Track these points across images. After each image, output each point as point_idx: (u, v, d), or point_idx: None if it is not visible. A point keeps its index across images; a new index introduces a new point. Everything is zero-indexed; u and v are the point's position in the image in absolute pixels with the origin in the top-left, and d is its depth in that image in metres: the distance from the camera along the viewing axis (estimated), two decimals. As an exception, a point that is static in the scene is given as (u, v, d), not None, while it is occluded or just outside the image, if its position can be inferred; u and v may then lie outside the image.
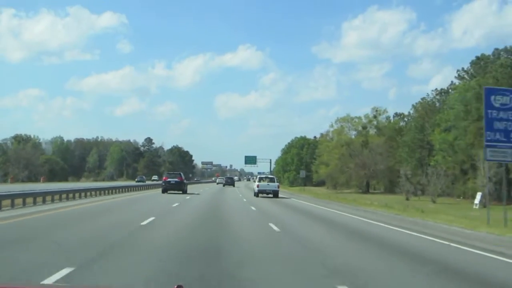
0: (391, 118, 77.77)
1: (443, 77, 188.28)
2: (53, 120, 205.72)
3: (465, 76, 57.54)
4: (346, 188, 75.14)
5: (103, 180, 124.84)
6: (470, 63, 58.17)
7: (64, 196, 24.65)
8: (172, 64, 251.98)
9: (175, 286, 3.11)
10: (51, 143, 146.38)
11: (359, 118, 75.35)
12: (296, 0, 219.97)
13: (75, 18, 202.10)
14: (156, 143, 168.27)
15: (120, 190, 37.93)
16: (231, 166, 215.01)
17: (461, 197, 50.24)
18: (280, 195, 42.31)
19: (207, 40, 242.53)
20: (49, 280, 6.51)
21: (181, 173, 44.98)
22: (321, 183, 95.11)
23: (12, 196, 19.57)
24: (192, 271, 7.78)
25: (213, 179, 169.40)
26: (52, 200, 22.62)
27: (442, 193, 47.42)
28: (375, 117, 74.20)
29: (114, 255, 9.25)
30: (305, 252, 10.70)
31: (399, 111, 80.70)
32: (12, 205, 19.06)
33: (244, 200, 33.96)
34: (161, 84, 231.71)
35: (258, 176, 49.49)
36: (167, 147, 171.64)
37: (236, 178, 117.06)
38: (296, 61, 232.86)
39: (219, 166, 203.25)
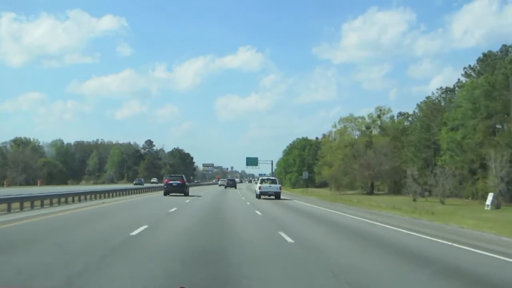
0: (395, 117, 76.35)
1: (443, 78, 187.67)
2: (53, 123, 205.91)
3: (472, 73, 56.10)
4: (350, 189, 73.61)
5: (103, 183, 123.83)
6: (477, 60, 56.85)
7: (55, 200, 23.18)
8: (172, 66, 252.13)
9: None
10: (52, 146, 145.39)
11: (363, 118, 74.00)
12: (296, 2, 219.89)
13: (75, 22, 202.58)
14: (157, 146, 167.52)
15: (117, 193, 36.19)
16: (232, 168, 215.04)
17: (470, 198, 48.75)
18: (283, 197, 41.78)
19: (208, 42, 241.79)
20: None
21: (183, 176, 44.65)
22: (323, 185, 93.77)
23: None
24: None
25: (214, 181, 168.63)
26: (42, 205, 21.23)
27: (450, 194, 45.95)
28: (379, 116, 72.70)
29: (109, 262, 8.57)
30: (332, 275, 8.13)
31: (400, 111, 79.13)
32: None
33: (248, 203, 32.19)
34: (162, 86, 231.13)
35: (260, 178, 48.82)
36: (167, 149, 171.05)
37: (237, 180, 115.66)
38: (296, 62, 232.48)
39: (220, 168, 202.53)
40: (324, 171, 76.67)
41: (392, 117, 74.74)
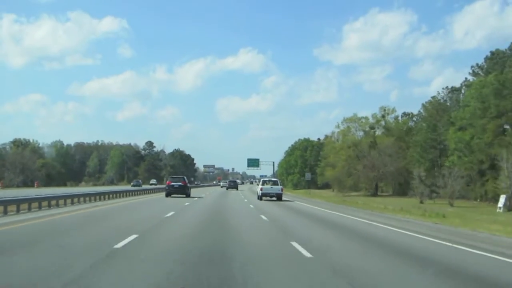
0: (399, 118, 74.79)
1: (444, 79, 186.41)
2: (54, 125, 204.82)
3: (480, 72, 54.65)
4: (353, 191, 72.09)
5: (103, 184, 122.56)
6: (485, 58, 55.49)
7: (44, 204, 21.72)
8: (173, 68, 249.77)
9: None
10: (51, 148, 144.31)
11: (366, 118, 72.46)
12: (297, 3, 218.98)
13: (76, 23, 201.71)
14: (157, 147, 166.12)
15: (113, 196, 34.60)
16: (233, 169, 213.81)
17: (478, 200, 47.31)
18: (287, 199, 41.09)
19: (208, 44, 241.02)
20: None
21: (185, 177, 44.98)
22: (325, 186, 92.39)
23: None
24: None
25: (215, 182, 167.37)
26: (29, 209, 19.81)
27: (457, 196, 44.47)
28: (383, 116, 71.18)
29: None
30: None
31: (404, 112, 77.63)
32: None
33: (251, 206, 29.95)
34: (163, 88, 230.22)
35: (262, 180, 48.22)
36: (168, 150, 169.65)
37: (238, 181, 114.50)
38: (297, 63, 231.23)
39: (221, 169, 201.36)
40: (327, 172, 75.17)
41: (396, 117, 73.35)
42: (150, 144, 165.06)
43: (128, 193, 39.79)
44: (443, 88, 65.44)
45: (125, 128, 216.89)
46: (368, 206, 33.97)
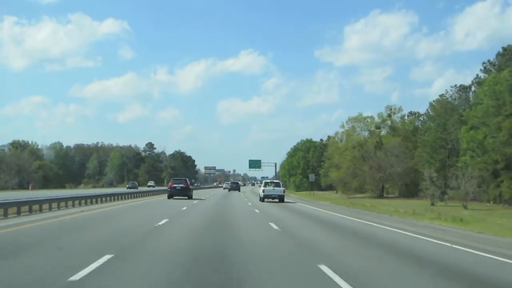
0: (406, 117, 72.50)
1: (445, 80, 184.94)
2: (55, 127, 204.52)
3: (492, 69, 52.43)
4: (358, 192, 69.85)
5: (102, 186, 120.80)
6: (496, 55, 53.23)
7: (24, 209, 19.60)
8: (174, 69, 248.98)
9: None
10: (51, 149, 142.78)
11: (372, 117, 70.20)
12: (298, 5, 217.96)
13: (77, 25, 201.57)
14: (158, 148, 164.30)
15: (106, 199, 32.22)
16: (234, 171, 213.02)
17: (491, 202, 45.09)
18: (291, 201, 39.86)
19: (209, 46, 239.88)
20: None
21: (187, 179, 45.31)
22: (328, 188, 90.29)
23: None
24: None
25: (215, 184, 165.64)
26: (18, 213, 17.95)
27: (470, 197, 42.26)
28: (389, 116, 68.89)
29: None
30: None
31: (410, 111, 75.43)
32: None
33: (256, 211, 26.63)
34: (163, 89, 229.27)
35: (264, 181, 47.34)
36: (169, 152, 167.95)
37: (240, 183, 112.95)
38: (298, 65, 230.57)
39: (222, 171, 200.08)
40: (332, 173, 72.91)
41: (402, 117, 71.08)
42: (150, 145, 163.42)
43: (122, 196, 37.40)
44: (451, 87, 63.19)
45: (126, 130, 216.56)
46: (379, 209, 31.70)
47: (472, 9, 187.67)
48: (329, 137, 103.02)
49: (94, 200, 29.29)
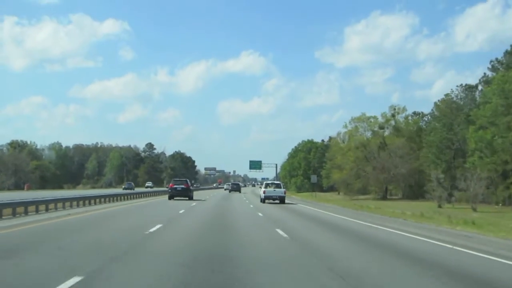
0: (409, 117, 71.02)
1: (445, 82, 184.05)
2: (56, 127, 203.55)
3: (500, 67, 50.99)
4: (361, 194, 68.34)
5: (101, 187, 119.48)
6: (504, 53, 51.80)
7: (7, 211, 18.15)
8: (174, 70, 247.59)
9: None
10: (50, 150, 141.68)
11: (375, 117, 68.67)
12: (298, 6, 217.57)
13: (78, 26, 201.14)
14: (158, 149, 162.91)
15: (100, 200, 30.55)
16: (234, 172, 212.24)
17: (500, 204, 43.65)
18: (297, 204, 39.03)
19: (210, 46, 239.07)
20: None
21: (187, 180, 45.57)
22: (330, 189, 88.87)
23: None
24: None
25: (215, 185, 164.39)
26: None
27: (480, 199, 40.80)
28: (393, 116, 67.37)
29: None
30: None
31: (414, 111, 73.95)
32: None
33: (260, 214, 24.44)
34: (164, 90, 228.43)
35: (265, 182, 46.99)
36: (169, 153, 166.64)
37: (241, 184, 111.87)
38: (299, 66, 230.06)
39: (222, 172, 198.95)
40: (334, 174, 71.42)
41: (406, 117, 69.61)
42: (150, 146, 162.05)
43: (117, 198, 35.79)
44: (457, 86, 61.67)
45: (126, 131, 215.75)
46: (387, 212, 30.29)
47: (472, 11, 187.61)
48: (330, 138, 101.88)
49: (87, 201, 27.75)
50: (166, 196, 43.91)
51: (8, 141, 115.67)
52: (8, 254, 9.43)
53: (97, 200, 30.12)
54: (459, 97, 60.34)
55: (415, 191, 61.85)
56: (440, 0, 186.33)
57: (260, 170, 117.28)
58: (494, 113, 42.87)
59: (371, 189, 66.90)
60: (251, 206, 33.47)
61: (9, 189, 71.82)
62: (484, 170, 40.92)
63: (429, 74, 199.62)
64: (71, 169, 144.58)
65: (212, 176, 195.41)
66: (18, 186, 79.12)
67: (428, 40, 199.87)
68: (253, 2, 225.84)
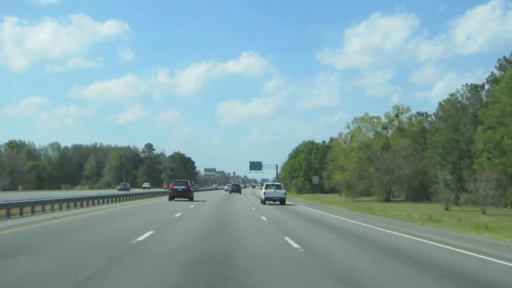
0: (413, 118, 69.50)
1: (446, 83, 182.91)
2: (56, 128, 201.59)
3: (508, 66, 49.59)
4: (363, 195, 66.79)
5: (100, 188, 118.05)
6: (512, 51, 50.36)
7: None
8: (175, 71, 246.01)
9: None
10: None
11: (378, 118, 67.18)
12: (299, 7, 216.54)
13: (78, 26, 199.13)
14: (157, 150, 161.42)
15: (92, 202, 28.96)
16: (234, 173, 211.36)
17: (509, 207, 42.22)
18: (299, 206, 38.28)
19: (210, 47, 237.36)
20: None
21: (188, 181, 45.77)
22: (331, 190, 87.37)
23: None
24: None
25: (214, 186, 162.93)
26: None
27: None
28: (397, 116, 65.87)
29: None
30: None
31: (418, 111, 72.52)
32: None
33: (263, 218, 22.26)
34: (164, 91, 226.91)
35: (265, 184, 46.75)
36: (168, 153, 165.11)
37: (241, 185, 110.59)
38: (299, 67, 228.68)
39: (222, 173, 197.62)
40: (337, 175, 69.90)
41: (410, 117, 68.10)
42: (149, 146, 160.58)
43: (113, 199, 34.25)
44: (462, 86, 60.28)
45: (126, 132, 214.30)
46: (393, 215, 28.83)
47: (473, 12, 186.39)
48: (332, 138, 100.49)
49: (78, 203, 26.17)
50: (163, 198, 42.91)
51: (7, 141, 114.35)
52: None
53: (90, 201, 28.48)
54: (464, 97, 58.99)
55: (419, 193, 60.48)
56: (441, 1, 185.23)
57: (261, 171, 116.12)
58: (503, 112, 41.53)
59: (374, 191, 65.41)
60: (253, 208, 31.74)
61: (4, 190, 70.42)
62: (493, 171, 39.55)
63: (430, 75, 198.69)
64: (69, 170, 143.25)
65: (212, 177, 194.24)
66: (14, 187, 77.67)
67: (429, 41, 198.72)
68: (253, 3, 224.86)
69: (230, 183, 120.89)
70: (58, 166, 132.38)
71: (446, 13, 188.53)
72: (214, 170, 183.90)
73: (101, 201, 30.80)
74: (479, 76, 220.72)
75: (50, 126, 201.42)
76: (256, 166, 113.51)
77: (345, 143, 77.24)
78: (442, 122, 57.02)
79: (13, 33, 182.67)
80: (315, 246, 12.82)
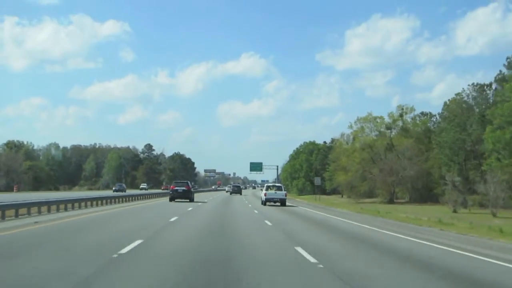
0: (417, 118, 67.99)
1: (446, 85, 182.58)
2: (55, 128, 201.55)
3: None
4: (366, 197, 65.31)
5: (99, 188, 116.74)
6: (520, 48, 48.95)
7: None
8: (175, 72, 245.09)
9: None
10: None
11: (382, 117, 65.65)
12: (299, 8, 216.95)
13: (78, 26, 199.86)
14: (157, 150, 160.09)
15: (84, 204, 27.22)
16: (234, 174, 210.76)
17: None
18: (307, 209, 37.36)
19: (210, 48, 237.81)
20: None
21: (189, 182, 46.17)
22: (333, 192, 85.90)
23: None
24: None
25: (213, 187, 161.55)
26: None
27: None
28: (401, 116, 64.34)
29: None
30: None
31: (422, 111, 71.15)
32: None
33: (268, 223, 20.10)
34: (164, 92, 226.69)
35: (266, 185, 46.20)
36: (168, 154, 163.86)
37: (242, 186, 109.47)
38: (299, 68, 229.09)
39: (222, 174, 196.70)
40: (339, 176, 68.38)
41: (414, 117, 66.58)
42: (149, 147, 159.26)
43: (107, 201, 32.64)
44: (468, 85, 58.85)
45: (126, 132, 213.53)
46: (403, 219, 27.47)
47: (473, 14, 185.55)
48: (333, 139, 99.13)
49: (69, 205, 24.61)
50: (161, 199, 42.23)
51: (5, 141, 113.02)
52: None
53: (82, 204, 26.88)
54: (470, 96, 57.56)
55: (423, 194, 59.05)
56: (441, 3, 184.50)
57: (261, 172, 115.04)
58: (512, 111, 40.05)
59: (377, 192, 63.91)
60: (256, 211, 29.83)
61: (0, 191, 69.01)
62: (503, 172, 38.10)
63: (430, 77, 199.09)
64: (68, 170, 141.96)
65: (212, 178, 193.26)
66: (11, 187, 76.20)
67: (429, 43, 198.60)
68: (253, 4, 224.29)
69: (231, 184, 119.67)
70: (57, 167, 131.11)
71: (446, 15, 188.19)
72: (214, 171, 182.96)
73: (94, 203, 29.22)
74: (480, 78, 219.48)
75: (50, 127, 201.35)
76: (256, 167, 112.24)
77: (347, 143, 75.85)
78: (448, 122, 55.52)
79: (13, 33, 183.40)
80: (333, 258, 10.64)
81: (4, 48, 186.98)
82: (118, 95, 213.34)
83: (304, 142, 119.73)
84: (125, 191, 63.37)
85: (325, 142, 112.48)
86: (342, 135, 79.45)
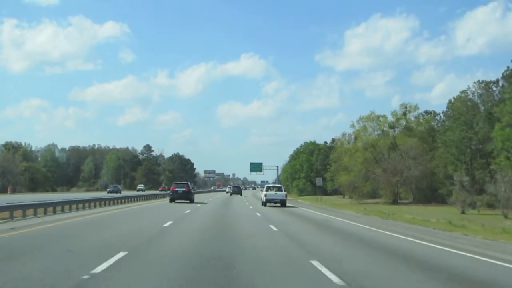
0: (420, 117, 66.62)
1: (446, 85, 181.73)
2: (55, 130, 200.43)
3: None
4: (369, 197, 63.84)
5: (97, 190, 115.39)
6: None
7: None
8: (174, 73, 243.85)
9: None
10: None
11: (385, 116, 64.25)
12: (299, 9, 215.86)
13: (77, 28, 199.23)
14: (156, 151, 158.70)
15: (76, 206, 25.82)
16: (234, 174, 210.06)
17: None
18: (310, 210, 36.65)
19: (210, 49, 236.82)
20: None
21: (189, 183, 46.44)
22: (334, 192, 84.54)
23: None
24: None
25: (213, 188, 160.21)
26: None
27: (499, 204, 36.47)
28: (404, 114, 62.89)
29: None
30: None
31: (426, 110, 69.83)
32: None
33: (274, 228, 17.95)
34: (164, 93, 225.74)
35: (266, 186, 45.65)
36: (167, 155, 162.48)
37: (242, 187, 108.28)
38: (299, 69, 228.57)
39: (221, 174, 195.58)
40: (341, 177, 66.90)
41: (417, 116, 65.19)
42: (148, 148, 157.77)
43: (101, 203, 31.06)
44: (474, 82, 57.55)
45: (126, 133, 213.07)
46: (403, 218, 26.09)
47: (473, 14, 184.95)
48: (333, 139, 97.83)
49: (59, 208, 23.07)
50: (158, 201, 41.45)
51: (3, 143, 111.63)
52: None
53: (73, 206, 25.31)
54: (475, 94, 56.21)
55: (427, 194, 57.69)
56: (441, 3, 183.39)
57: (261, 173, 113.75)
58: (522, 108, 38.76)
59: (380, 193, 62.47)
60: (258, 214, 27.88)
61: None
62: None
63: (430, 77, 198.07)
64: (67, 172, 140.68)
65: (212, 179, 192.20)
66: (5, 189, 74.76)
67: (429, 43, 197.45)
68: (253, 5, 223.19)
69: (231, 185, 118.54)
70: (55, 168, 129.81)
71: (446, 15, 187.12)
72: (213, 172, 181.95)
73: (87, 205, 27.71)
74: (479, 78, 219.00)
75: (49, 128, 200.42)
76: (256, 167, 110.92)
77: (348, 143, 74.51)
78: (453, 120, 54.13)
79: (12, 35, 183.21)
80: (358, 276, 8.45)
81: (3, 50, 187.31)
82: (118, 96, 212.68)
83: (305, 142, 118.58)
84: (120, 193, 61.79)
85: (325, 142, 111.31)
86: (344, 134, 78.36)
